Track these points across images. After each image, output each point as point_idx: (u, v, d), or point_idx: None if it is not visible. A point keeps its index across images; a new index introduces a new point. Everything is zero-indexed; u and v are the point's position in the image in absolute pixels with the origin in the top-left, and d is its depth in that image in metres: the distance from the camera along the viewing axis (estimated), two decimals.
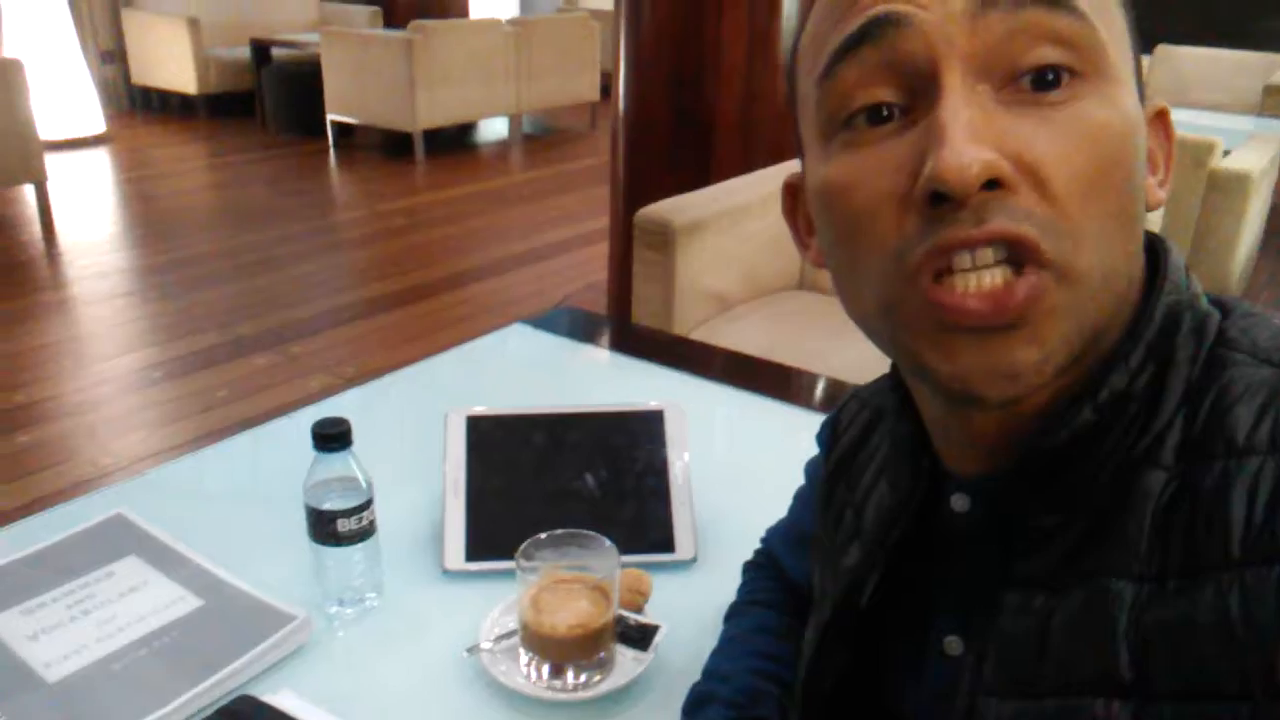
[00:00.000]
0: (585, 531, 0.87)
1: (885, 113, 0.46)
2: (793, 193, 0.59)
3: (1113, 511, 0.45)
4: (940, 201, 0.43)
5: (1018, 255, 0.43)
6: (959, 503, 0.53)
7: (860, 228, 0.47)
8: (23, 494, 2.37)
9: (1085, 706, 0.43)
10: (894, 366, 0.58)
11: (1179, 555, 0.42)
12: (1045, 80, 0.43)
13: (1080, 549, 0.46)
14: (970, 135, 0.42)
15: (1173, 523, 0.43)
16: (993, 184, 0.42)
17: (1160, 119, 0.51)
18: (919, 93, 0.45)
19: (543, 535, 0.86)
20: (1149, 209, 0.48)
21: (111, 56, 7.21)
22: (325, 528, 0.88)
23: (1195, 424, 0.45)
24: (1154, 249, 0.50)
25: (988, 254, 0.43)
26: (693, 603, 0.93)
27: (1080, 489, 0.47)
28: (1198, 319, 0.48)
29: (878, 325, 0.49)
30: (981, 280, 0.43)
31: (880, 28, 0.45)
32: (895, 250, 0.45)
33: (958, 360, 0.45)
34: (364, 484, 0.90)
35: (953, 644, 0.53)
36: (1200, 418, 0.45)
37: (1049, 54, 0.43)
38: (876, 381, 0.69)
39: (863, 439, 0.68)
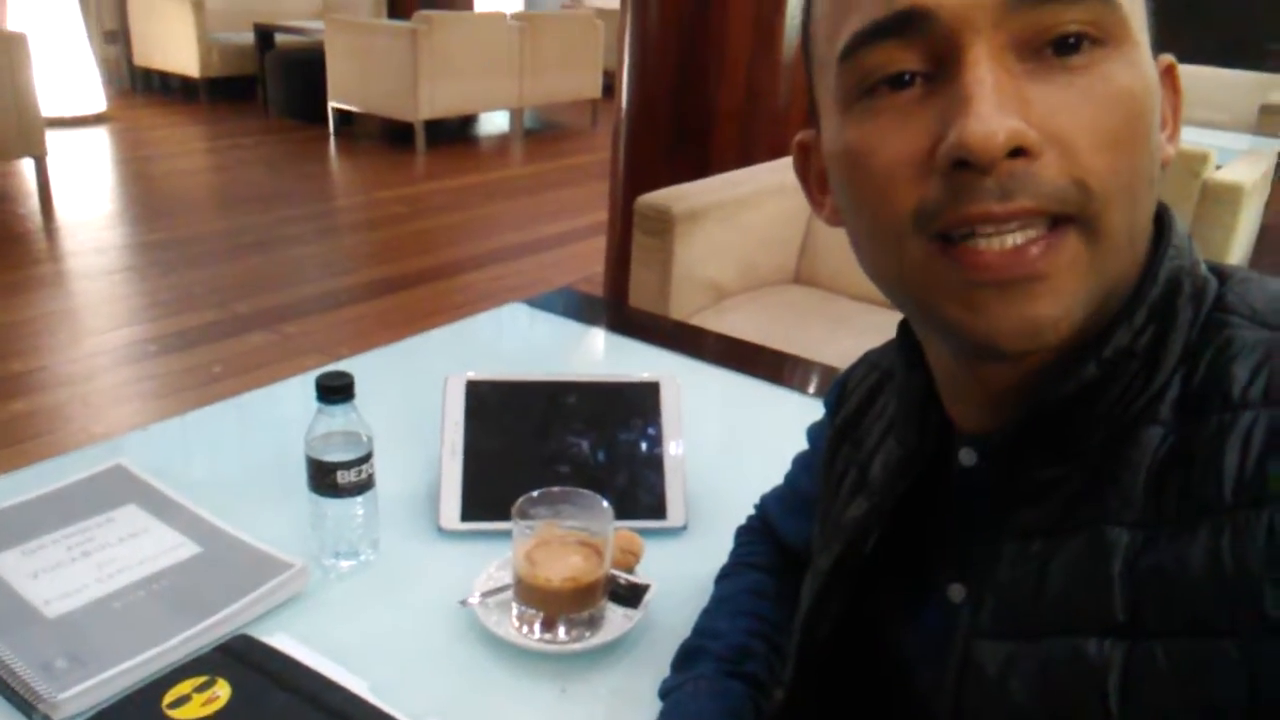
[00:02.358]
0: (581, 490, 0.89)
1: (908, 79, 0.46)
2: (805, 150, 0.59)
3: (1111, 464, 0.47)
4: (964, 167, 0.44)
5: (1046, 220, 0.44)
6: (967, 457, 0.55)
7: (880, 191, 0.47)
8: (15, 460, 2.37)
9: (1080, 647, 0.45)
10: (902, 327, 0.59)
11: (1174, 504, 0.44)
12: (1067, 45, 0.44)
13: (1079, 499, 0.48)
14: (996, 103, 0.43)
15: (1169, 475, 0.45)
16: (1017, 151, 0.43)
17: (1169, 74, 0.51)
18: (944, 61, 0.45)
19: (539, 492, 0.88)
20: (1161, 167, 0.49)
21: (115, 36, 7.21)
22: (326, 479, 0.90)
23: (1193, 382, 0.47)
24: (1159, 215, 0.51)
25: (1012, 226, 0.44)
26: (682, 567, 0.95)
27: (1081, 442, 0.48)
28: (1198, 284, 0.50)
29: (897, 285, 0.50)
30: (1004, 241, 0.44)
31: (904, 23, 0.45)
32: (916, 214, 0.46)
33: (983, 313, 0.46)
34: (365, 437, 0.91)
35: (956, 591, 0.55)
36: (1197, 376, 0.47)
37: (1072, 29, 0.44)
38: (886, 345, 0.71)
39: (870, 400, 0.69)
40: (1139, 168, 0.46)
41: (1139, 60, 0.46)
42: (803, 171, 0.60)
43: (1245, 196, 2.62)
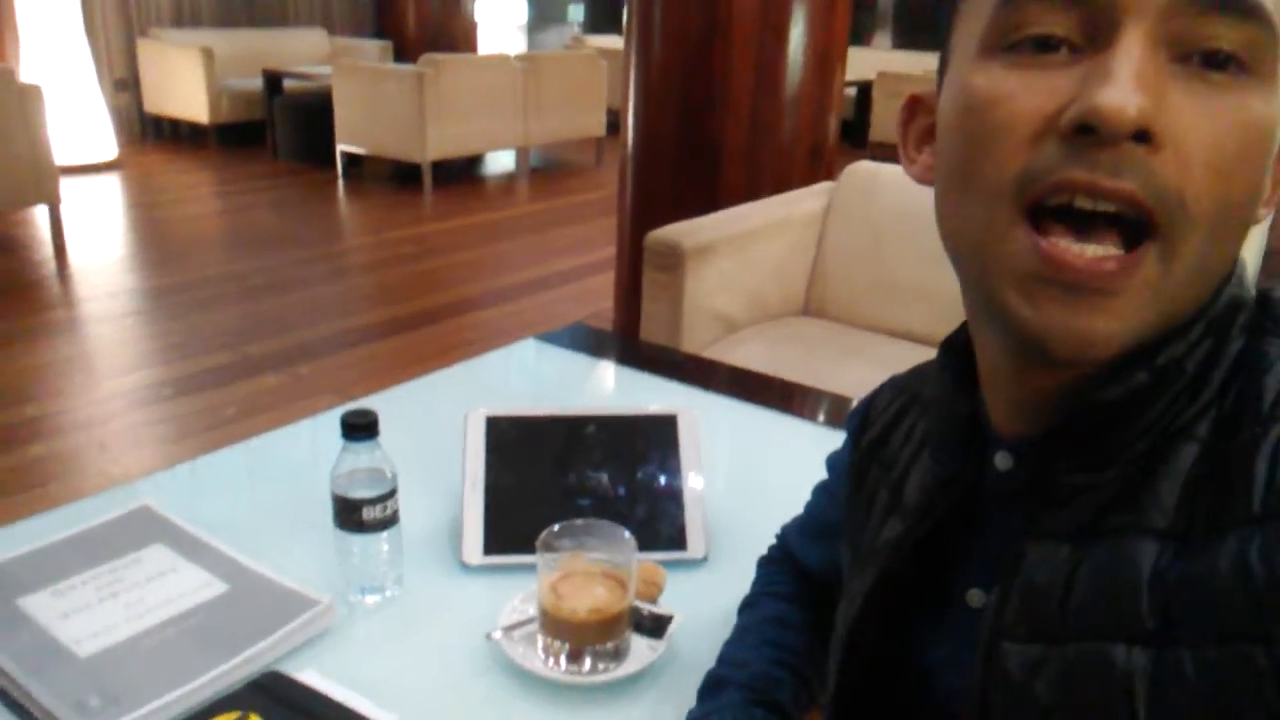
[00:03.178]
0: (603, 521, 0.90)
1: (1055, 43, 0.46)
2: (914, 105, 0.60)
3: (1146, 475, 0.48)
4: (1087, 134, 0.44)
5: (1134, 218, 0.45)
6: (1003, 461, 0.55)
7: (994, 140, 0.47)
8: (35, 504, 2.39)
9: (1107, 652, 0.46)
10: (944, 345, 0.61)
11: (1204, 517, 0.45)
12: (1217, 60, 0.45)
13: (1110, 507, 0.49)
14: (1136, 82, 0.43)
15: (1200, 488, 0.46)
16: (1141, 136, 0.43)
17: None
18: (1096, 34, 0.45)
19: (562, 525, 0.89)
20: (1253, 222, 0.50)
21: (125, 85, 7.32)
22: (351, 515, 0.91)
23: (1228, 401, 0.48)
24: None
25: (1110, 206, 0.45)
26: (704, 598, 0.96)
27: (1120, 452, 0.49)
28: (1251, 313, 0.51)
29: (973, 251, 0.50)
30: (1085, 250, 0.45)
31: None
32: (1021, 176, 0.46)
33: (1040, 309, 0.46)
34: (389, 474, 0.93)
35: (975, 596, 0.56)
36: (1233, 395, 0.48)
37: (1228, 46, 0.45)
38: (913, 370, 0.72)
39: (895, 422, 0.70)
40: (1235, 205, 0.46)
41: (1274, 102, 0.46)
42: (904, 126, 0.60)
43: (1262, 221, 2.65)
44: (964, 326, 0.59)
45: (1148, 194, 0.44)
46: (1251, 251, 3.12)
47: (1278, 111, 0.47)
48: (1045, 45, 0.47)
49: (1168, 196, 0.44)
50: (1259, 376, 0.47)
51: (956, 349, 0.60)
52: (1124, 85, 0.43)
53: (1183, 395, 0.49)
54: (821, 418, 1.41)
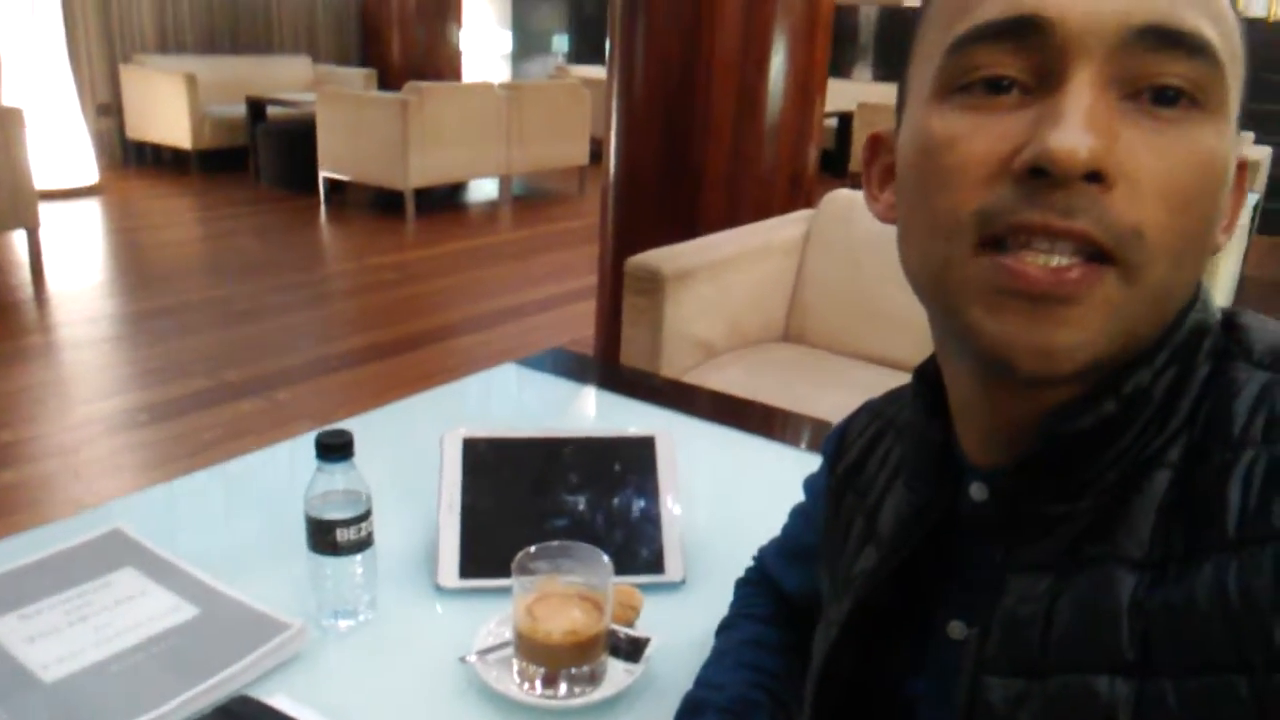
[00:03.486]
0: (580, 544, 0.89)
1: (1006, 84, 0.47)
2: (876, 144, 0.60)
3: (1120, 504, 0.48)
4: (1040, 176, 0.45)
5: (1092, 253, 0.45)
6: (978, 492, 0.55)
7: (950, 182, 0.48)
8: (4, 531, 2.35)
9: (1089, 685, 0.45)
10: (918, 372, 0.60)
11: (1180, 544, 0.45)
12: (1167, 96, 0.45)
13: (1086, 537, 0.49)
14: (1087, 123, 0.44)
15: (1175, 515, 0.46)
16: (1094, 177, 0.44)
17: (1239, 170, 0.52)
18: (1046, 76, 0.46)
19: (538, 547, 0.88)
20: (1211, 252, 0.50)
21: (108, 110, 7.31)
22: (325, 537, 0.90)
23: (1198, 426, 0.48)
24: None
25: (1066, 245, 0.45)
26: (682, 621, 0.95)
27: (1093, 481, 0.49)
28: (1216, 337, 0.51)
29: (933, 282, 0.51)
30: (1050, 260, 0.45)
31: (1023, 28, 0.46)
32: (978, 212, 0.47)
33: (1003, 323, 0.47)
34: (363, 495, 0.92)
35: (956, 628, 0.55)
36: (1201, 422, 0.48)
37: (1176, 82, 0.45)
38: (888, 394, 0.72)
39: (871, 447, 0.70)
40: (1193, 235, 0.47)
41: (1226, 135, 0.47)
42: (867, 165, 0.61)
43: (1223, 248, 2.68)
44: (935, 356, 0.59)
45: (1100, 231, 0.45)
46: (1225, 277, 3.16)
47: (1229, 143, 0.47)
48: (996, 86, 0.47)
49: (1122, 233, 0.45)
50: (1228, 402, 0.47)
51: (927, 378, 0.60)
52: (1075, 127, 0.44)
53: (1152, 423, 0.49)
54: (800, 442, 1.41)
